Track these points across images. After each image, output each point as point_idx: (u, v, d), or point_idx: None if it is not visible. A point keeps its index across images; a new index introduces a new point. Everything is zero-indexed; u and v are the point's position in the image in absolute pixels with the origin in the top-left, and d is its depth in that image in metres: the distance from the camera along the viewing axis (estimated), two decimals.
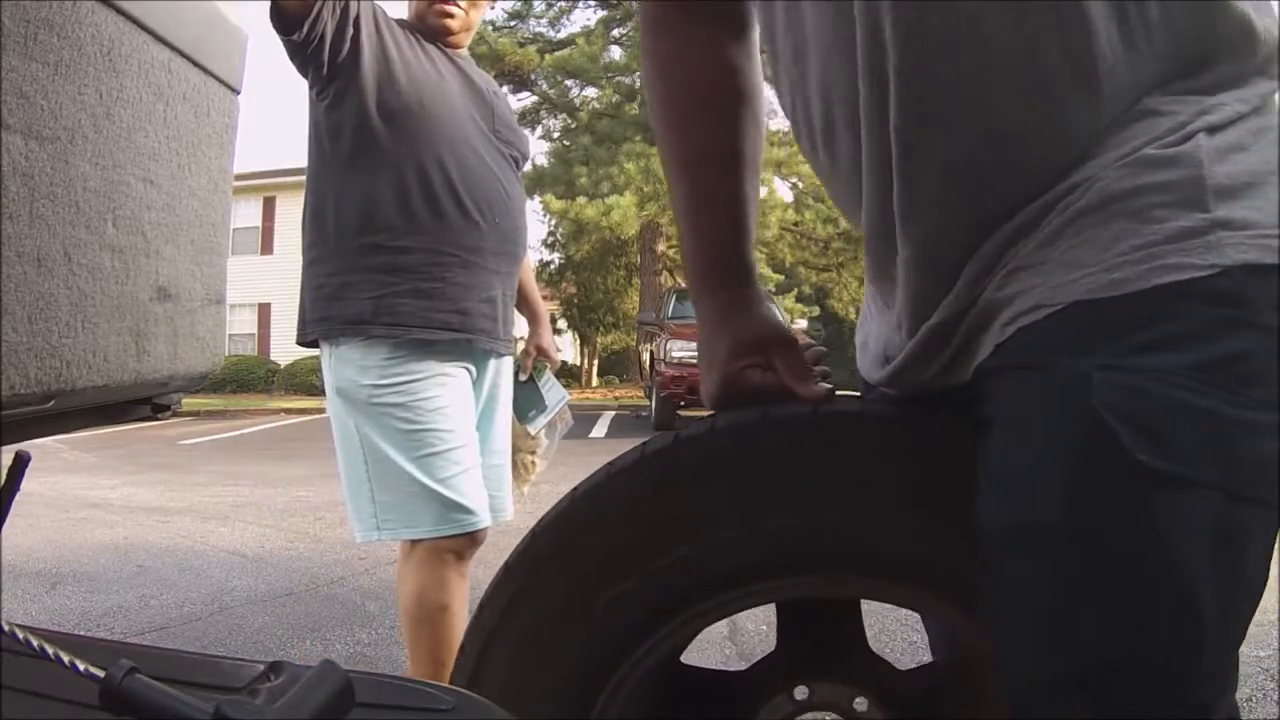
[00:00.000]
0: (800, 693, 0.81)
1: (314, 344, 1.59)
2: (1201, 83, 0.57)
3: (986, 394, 0.61)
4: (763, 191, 14.92)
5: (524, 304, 1.88)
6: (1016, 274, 0.58)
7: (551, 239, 19.13)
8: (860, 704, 0.80)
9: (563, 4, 17.54)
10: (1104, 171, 0.55)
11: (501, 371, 1.72)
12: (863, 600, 0.84)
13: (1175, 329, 0.52)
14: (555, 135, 18.18)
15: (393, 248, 1.51)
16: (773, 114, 17.21)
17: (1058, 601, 0.56)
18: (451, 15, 1.62)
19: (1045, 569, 0.56)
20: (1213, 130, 0.54)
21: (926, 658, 0.98)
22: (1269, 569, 0.57)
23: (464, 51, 1.71)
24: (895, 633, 2.35)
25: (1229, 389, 0.51)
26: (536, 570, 0.72)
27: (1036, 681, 0.58)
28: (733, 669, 0.92)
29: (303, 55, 1.45)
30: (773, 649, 0.86)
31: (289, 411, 12.56)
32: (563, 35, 17.56)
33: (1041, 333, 0.56)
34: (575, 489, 0.72)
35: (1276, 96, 0.59)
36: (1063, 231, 0.56)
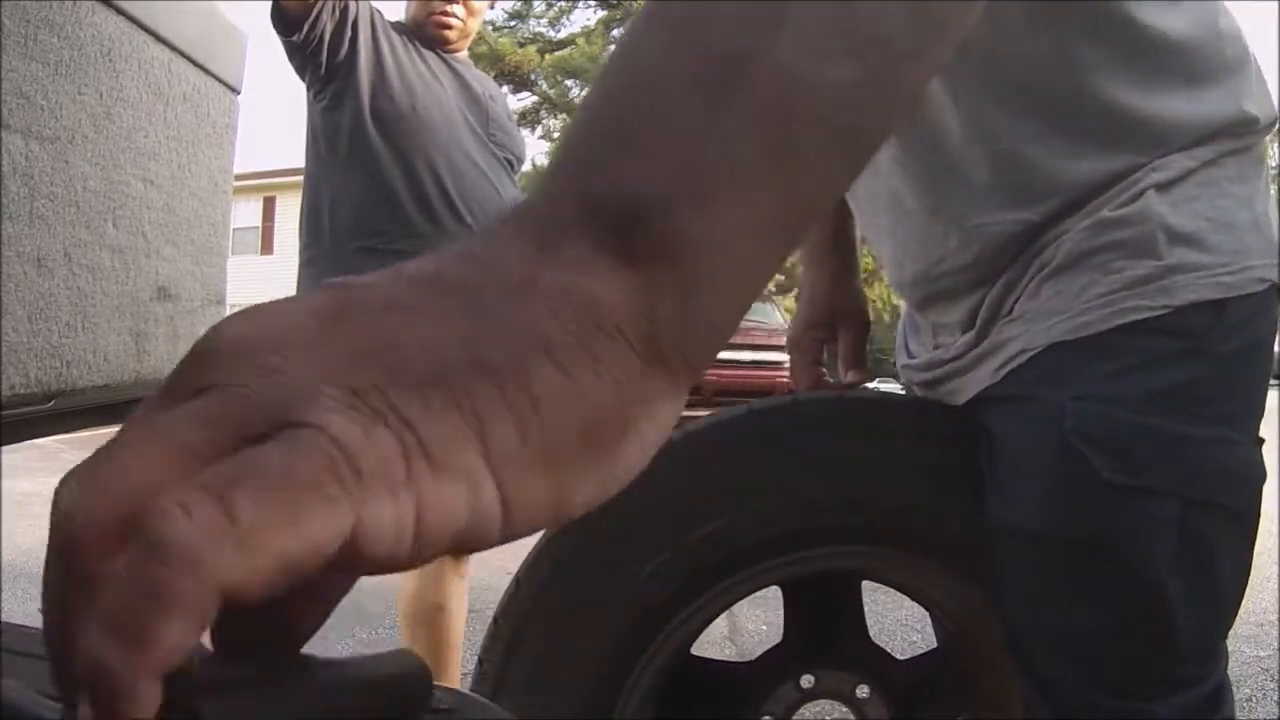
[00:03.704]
0: (806, 681, 0.83)
1: None
2: (1161, 150, 0.62)
3: (984, 413, 0.70)
4: None
5: None
6: (1010, 324, 0.67)
7: None
8: (862, 691, 0.83)
9: (563, 4, 17.55)
10: (1070, 233, 0.63)
11: None
12: (866, 601, 0.87)
13: (1134, 361, 0.60)
14: (555, 135, 18.19)
15: (385, 251, 1.51)
16: None
17: (1042, 587, 0.65)
18: (450, 26, 1.63)
19: (1031, 563, 0.66)
20: (1161, 187, 0.61)
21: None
22: (1248, 566, 0.64)
23: (462, 55, 1.71)
24: (895, 632, 2.35)
25: (1183, 410, 0.59)
26: (575, 543, 0.74)
27: (1030, 644, 0.67)
28: (744, 660, 0.93)
29: (302, 56, 1.46)
30: (775, 645, 0.87)
31: None
32: (563, 35, 17.57)
33: (1026, 372, 0.65)
34: None
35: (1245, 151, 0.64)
36: (1041, 287, 0.65)
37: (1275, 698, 1.94)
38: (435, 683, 0.45)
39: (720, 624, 2.45)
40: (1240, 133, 0.63)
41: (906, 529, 0.73)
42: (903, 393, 0.86)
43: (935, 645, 0.95)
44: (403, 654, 0.43)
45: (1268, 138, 0.66)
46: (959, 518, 0.72)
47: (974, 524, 0.69)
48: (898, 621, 2.40)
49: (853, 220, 0.90)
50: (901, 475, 0.73)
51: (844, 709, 0.85)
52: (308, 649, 0.23)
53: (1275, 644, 2.25)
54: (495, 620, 0.76)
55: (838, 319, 0.89)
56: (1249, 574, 0.64)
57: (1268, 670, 2.09)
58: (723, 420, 0.75)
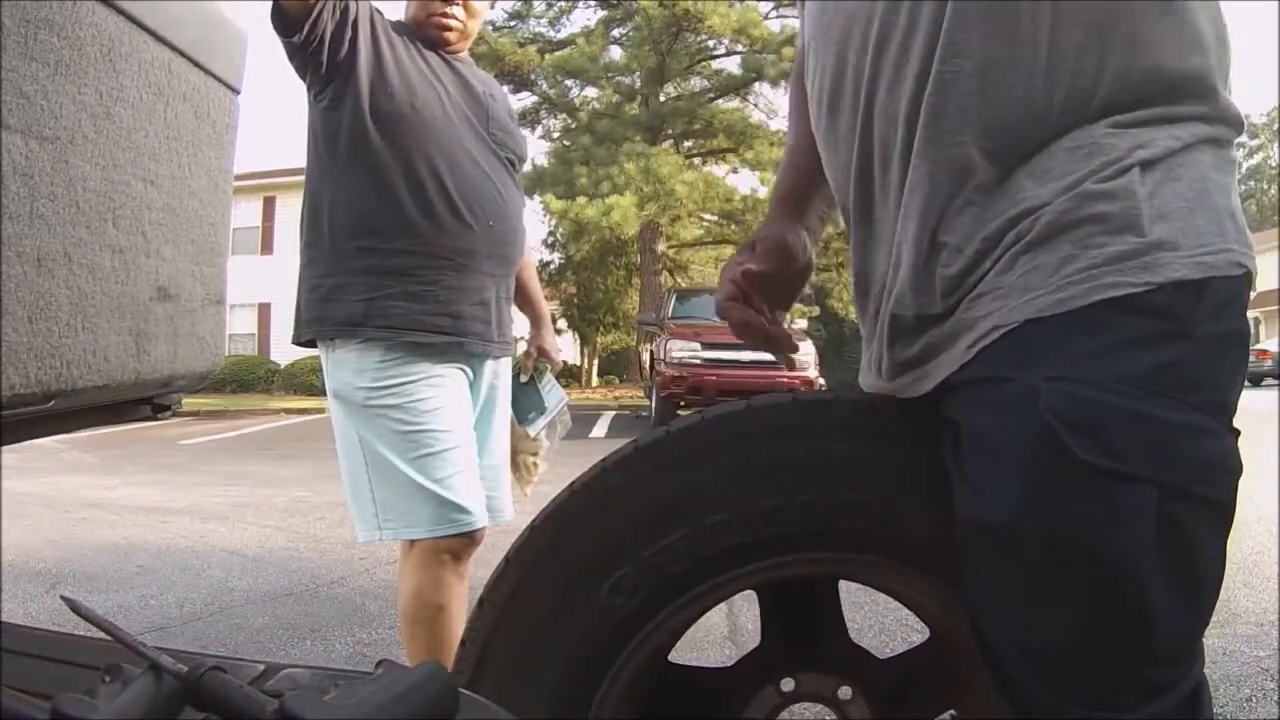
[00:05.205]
0: (786, 685, 0.83)
1: (309, 344, 1.60)
2: (1140, 117, 0.62)
3: (953, 402, 0.67)
4: (762, 191, 14.96)
5: (526, 305, 1.88)
6: (979, 299, 0.64)
7: (551, 239, 19.14)
8: (844, 693, 0.83)
9: (563, 4, 17.55)
10: (1050, 205, 0.62)
11: (499, 373, 1.71)
12: (861, 603, 0.86)
13: (1113, 340, 0.59)
14: (555, 135, 18.19)
15: (385, 250, 1.51)
16: (773, 114, 17.10)
17: (1014, 586, 0.63)
18: (450, 28, 1.62)
19: (1004, 559, 0.63)
20: (1146, 165, 0.61)
21: None
22: (1224, 560, 0.62)
23: (464, 54, 1.71)
24: (895, 632, 2.35)
25: (1165, 393, 0.58)
26: (537, 562, 0.74)
27: (1000, 649, 0.65)
28: (722, 666, 0.93)
29: (302, 56, 1.45)
30: (754, 649, 0.87)
31: (289, 411, 12.56)
32: (563, 35, 17.57)
33: (1000, 350, 0.62)
34: (572, 483, 0.75)
35: (1211, 137, 0.65)
36: (1017, 260, 0.63)
37: (1275, 698, 1.94)
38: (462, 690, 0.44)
39: (720, 623, 2.45)
40: (1212, 117, 0.63)
41: (873, 532, 0.72)
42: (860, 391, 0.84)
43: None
44: (432, 666, 0.44)
45: (1260, 140, 0.67)
46: (923, 518, 0.70)
47: (943, 524, 0.68)
48: (897, 621, 2.40)
49: (822, 194, 0.89)
50: (863, 477, 0.71)
51: (827, 710, 0.85)
52: (304, 653, 0.24)
53: (1275, 644, 2.25)
54: (463, 643, 0.76)
55: (755, 242, 0.87)
56: (1224, 572, 0.62)
57: (1267, 670, 2.09)
58: (676, 431, 0.74)
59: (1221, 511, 0.60)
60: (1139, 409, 0.58)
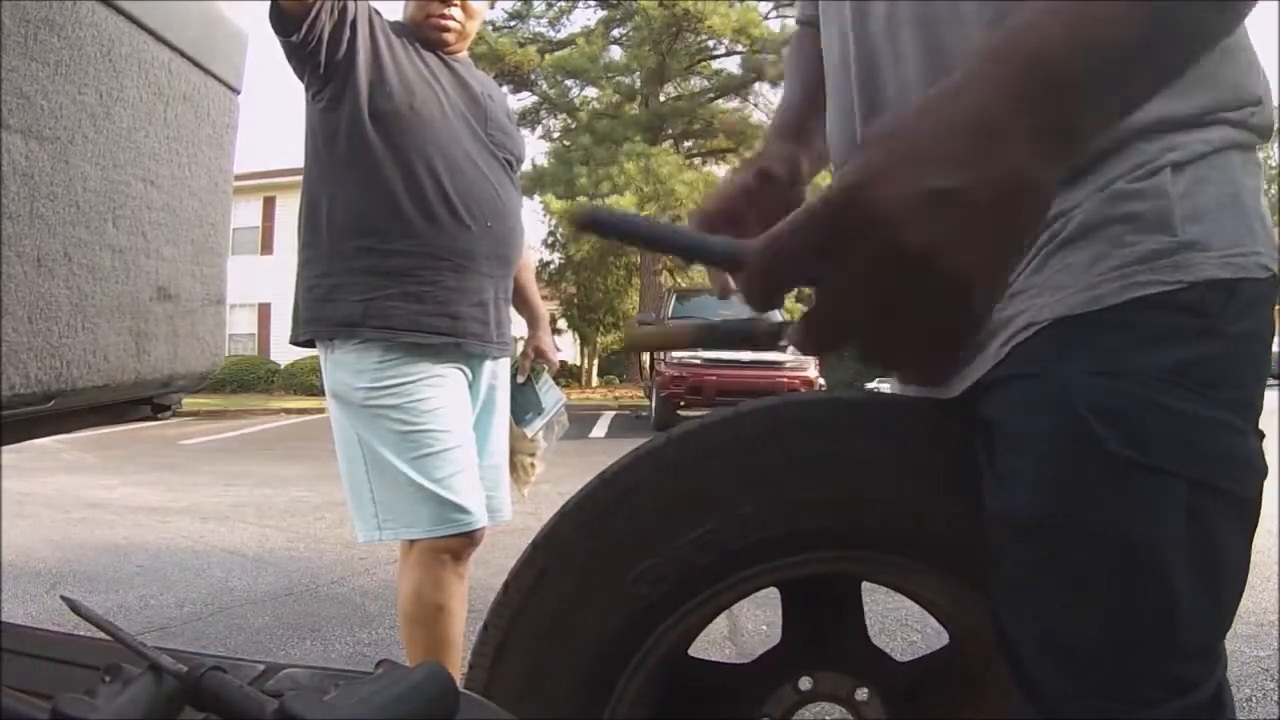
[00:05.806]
0: (804, 683, 0.83)
1: (307, 344, 1.60)
2: (1169, 123, 0.62)
3: (986, 400, 0.67)
4: None
5: (523, 306, 1.88)
6: (1013, 299, 0.65)
7: (551, 239, 19.13)
8: (862, 694, 0.83)
9: (563, 4, 17.55)
10: (1083, 203, 0.62)
11: (498, 374, 1.71)
12: (865, 600, 0.86)
13: (1145, 336, 0.59)
14: (555, 135, 18.19)
15: (383, 251, 1.51)
16: (773, 114, 17.18)
17: (1041, 580, 0.63)
18: (448, 29, 1.62)
19: (1030, 554, 0.63)
20: (1177, 166, 0.61)
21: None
22: (1248, 560, 0.62)
23: (463, 54, 1.71)
24: (895, 632, 2.35)
25: (1195, 389, 0.58)
26: (564, 549, 0.74)
27: (1023, 645, 0.64)
28: (741, 662, 0.94)
29: (300, 56, 1.45)
30: (773, 646, 0.87)
31: (289, 411, 12.57)
32: (563, 35, 17.58)
33: (1032, 347, 0.63)
34: (603, 472, 0.74)
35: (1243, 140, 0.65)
36: (1050, 259, 0.63)
37: (1275, 698, 1.94)
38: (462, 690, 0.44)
39: (720, 624, 2.45)
40: (1239, 122, 0.64)
41: (897, 532, 0.72)
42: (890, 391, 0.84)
43: (936, 646, 0.95)
44: (432, 666, 0.44)
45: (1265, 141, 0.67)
46: (952, 519, 0.70)
47: (967, 525, 0.68)
48: (898, 621, 2.40)
49: (815, 143, 0.89)
50: (891, 476, 0.72)
51: (842, 711, 0.85)
52: (304, 653, 0.24)
53: (1275, 644, 2.25)
54: (485, 626, 0.76)
55: (785, 165, 0.84)
56: (1248, 571, 0.63)
57: (1268, 670, 2.09)
58: (710, 423, 0.75)
59: (1247, 509, 0.61)
60: (1169, 403, 0.58)
